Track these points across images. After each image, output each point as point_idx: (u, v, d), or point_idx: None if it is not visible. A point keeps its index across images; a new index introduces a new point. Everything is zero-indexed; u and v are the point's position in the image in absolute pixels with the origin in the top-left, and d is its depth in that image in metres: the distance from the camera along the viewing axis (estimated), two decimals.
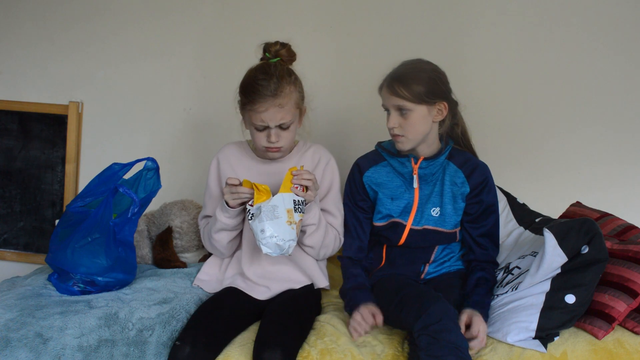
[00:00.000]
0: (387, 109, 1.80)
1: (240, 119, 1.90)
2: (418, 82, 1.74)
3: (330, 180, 1.92)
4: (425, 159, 1.82)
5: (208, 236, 1.90)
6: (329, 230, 1.86)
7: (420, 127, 1.77)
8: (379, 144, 1.93)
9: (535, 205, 2.11)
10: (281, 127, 1.79)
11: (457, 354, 1.47)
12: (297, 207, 1.68)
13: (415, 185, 1.84)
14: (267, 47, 1.83)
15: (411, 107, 1.75)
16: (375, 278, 1.87)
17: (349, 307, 1.75)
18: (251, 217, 1.68)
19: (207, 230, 1.92)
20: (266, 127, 1.78)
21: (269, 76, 1.75)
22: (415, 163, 1.83)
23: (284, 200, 1.67)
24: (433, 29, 2.40)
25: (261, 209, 1.66)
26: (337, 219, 1.90)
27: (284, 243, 1.65)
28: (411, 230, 1.84)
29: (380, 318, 1.66)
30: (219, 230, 1.84)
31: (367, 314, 1.66)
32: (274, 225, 1.64)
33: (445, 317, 1.51)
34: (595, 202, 2.13)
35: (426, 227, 1.83)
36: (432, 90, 1.75)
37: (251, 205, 1.69)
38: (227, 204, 1.76)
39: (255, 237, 1.67)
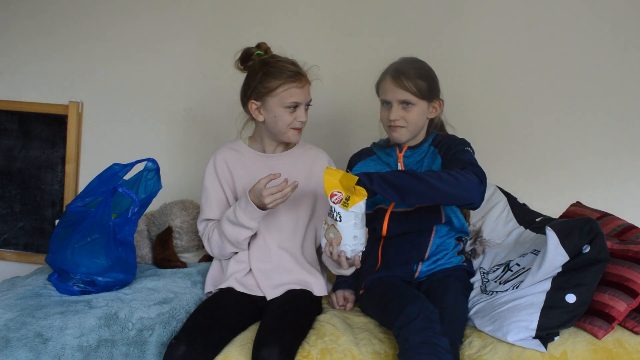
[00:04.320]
0: (387, 102, 1.86)
1: (243, 117, 1.91)
2: (422, 78, 1.83)
3: None
4: (410, 147, 1.91)
5: (218, 244, 1.86)
6: None
7: (419, 122, 1.87)
8: (374, 144, 2.01)
9: (534, 204, 2.11)
10: (309, 104, 1.87)
11: (432, 351, 1.46)
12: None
13: None
14: (258, 46, 1.87)
15: (415, 102, 1.83)
16: (369, 281, 1.87)
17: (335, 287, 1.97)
18: (339, 218, 1.59)
19: (215, 235, 1.87)
20: (297, 106, 1.83)
21: (292, 62, 1.84)
22: (400, 152, 1.91)
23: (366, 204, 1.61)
24: (432, 28, 2.40)
25: (357, 214, 1.58)
26: None
27: (363, 247, 1.66)
28: (392, 214, 1.86)
29: (350, 305, 1.90)
30: (245, 239, 1.82)
31: (341, 297, 1.91)
32: (363, 232, 1.64)
33: (420, 315, 1.52)
34: (594, 201, 2.13)
35: (407, 209, 1.85)
36: (432, 87, 1.86)
37: (338, 205, 1.58)
38: (259, 207, 1.73)
39: (341, 239, 1.61)
